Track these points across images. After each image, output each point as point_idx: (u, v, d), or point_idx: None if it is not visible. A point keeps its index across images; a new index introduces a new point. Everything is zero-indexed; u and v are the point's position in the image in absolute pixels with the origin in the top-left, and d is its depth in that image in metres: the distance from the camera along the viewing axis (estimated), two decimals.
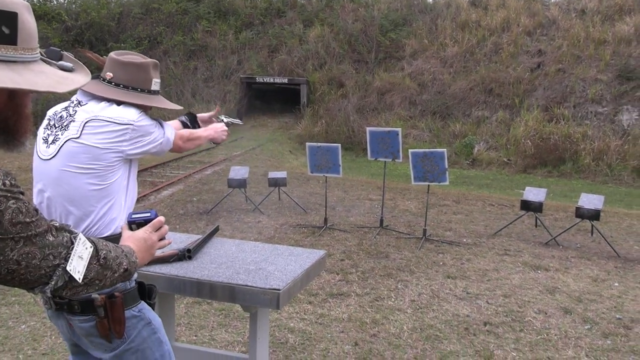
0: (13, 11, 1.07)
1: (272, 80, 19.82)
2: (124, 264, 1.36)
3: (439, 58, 18.59)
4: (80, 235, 1.25)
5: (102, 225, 1.90)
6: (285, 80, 19.60)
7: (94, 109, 1.91)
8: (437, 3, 21.54)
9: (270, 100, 20.41)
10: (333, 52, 20.40)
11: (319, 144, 7.40)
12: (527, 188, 7.35)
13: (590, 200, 6.66)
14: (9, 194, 1.07)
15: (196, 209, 8.00)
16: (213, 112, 2.71)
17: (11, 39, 1.07)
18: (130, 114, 1.93)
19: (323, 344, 3.81)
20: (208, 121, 2.64)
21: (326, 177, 7.19)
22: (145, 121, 1.97)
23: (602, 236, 6.71)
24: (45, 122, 1.97)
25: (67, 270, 1.17)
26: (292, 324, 4.11)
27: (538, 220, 7.42)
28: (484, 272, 5.52)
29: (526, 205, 7.06)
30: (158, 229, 1.61)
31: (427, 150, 6.92)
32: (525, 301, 4.78)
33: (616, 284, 5.34)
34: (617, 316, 4.52)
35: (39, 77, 1.12)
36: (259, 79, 19.92)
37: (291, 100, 19.37)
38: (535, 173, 13.60)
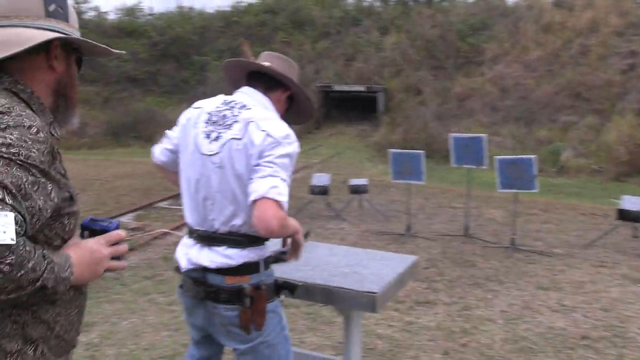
0: None
1: (349, 89, 19.92)
2: (42, 280, 1.00)
3: (521, 62, 17.97)
4: (10, 215, 0.95)
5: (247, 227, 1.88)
6: (363, 88, 19.64)
7: (256, 114, 1.88)
8: (519, 5, 20.87)
9: (348, 108, 20.50)
10: (410, 59, 20.23)
11: (402, 150, 7.33)
12: (625, 197, 6.92)
13: None
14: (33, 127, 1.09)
15: None
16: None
17: (65, 17, 1.28)
18: (283, 131, 1.84)
19: (412, 352, 3.75)
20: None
21: (409, 184, 7.11)
22: (291, 147, 1.83)
23: None
24: (204, 116, 1.94)
25: None
26: (379, 330, 4.07)
27: (638, 231, 6.96)
28: (580, 285, 5.24)
29: (624, 215, 6.64)
30: (115, 244, 1.27)
31: (515, 156, 6.69)
32: (627, 316, 4.48)
33: None
34: None
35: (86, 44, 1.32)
36: (336, 88, 20.08)
37: (368, 108, 19.37)
38: (630, 181, 12.79)
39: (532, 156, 6.48)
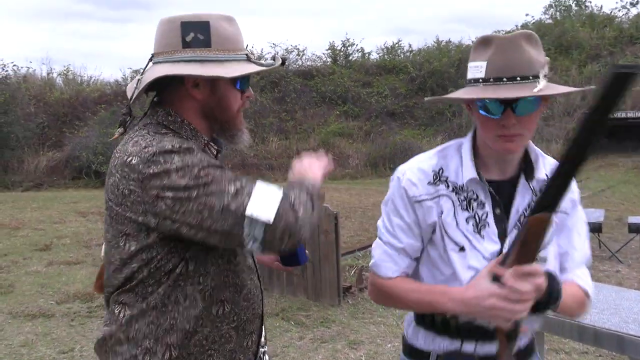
0: (205, 21, 1.28)
1: (623, 115, 17.78)
2: (314, 195, 1.30)
3: None
4: (259, 182, 1.24)
5: None
6: None
7: None
8: None
9: (622, 137, 18.28)
10: None
11: None
12: None
13: None
14: (175, 152, 1.19)
15: None
16: None
17: (205, 43, 1.28)
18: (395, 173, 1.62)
19: None
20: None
21: None
22: (392, 191, 1.54)
23: None
24: None
25: (252, 218, 1.16)
26: None
27: None
28: None
29: None
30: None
31: None
32: None
33: None
34: None
35: (223, 69, 1.27)
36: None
37: None
38: None
39: None
